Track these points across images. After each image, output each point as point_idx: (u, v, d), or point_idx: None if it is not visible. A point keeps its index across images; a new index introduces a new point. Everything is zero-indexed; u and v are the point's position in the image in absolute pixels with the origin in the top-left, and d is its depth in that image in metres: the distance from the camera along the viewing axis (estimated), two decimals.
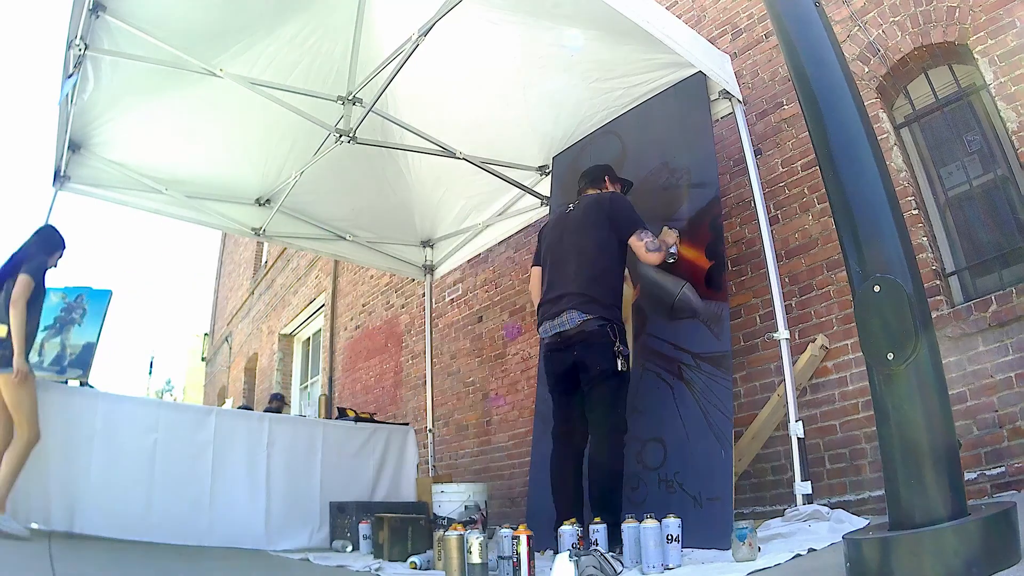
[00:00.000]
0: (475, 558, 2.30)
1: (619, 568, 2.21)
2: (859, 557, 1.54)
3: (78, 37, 2.93)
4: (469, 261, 5.60)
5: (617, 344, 2.67)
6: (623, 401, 2.74)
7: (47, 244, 3.27)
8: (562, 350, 2.82)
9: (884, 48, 3.26)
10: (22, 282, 3.00)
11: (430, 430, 5.13)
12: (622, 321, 2.81)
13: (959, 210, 3.12)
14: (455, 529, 2.44)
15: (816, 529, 2.38)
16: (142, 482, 3.30)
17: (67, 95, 3.17)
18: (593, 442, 2.73)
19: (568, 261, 2.90)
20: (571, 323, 2.74)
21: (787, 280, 3.39)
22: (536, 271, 3.14)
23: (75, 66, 3.02)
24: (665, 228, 3.05)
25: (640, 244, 2.78)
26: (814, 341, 3.22)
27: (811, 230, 3.41)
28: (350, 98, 3.78)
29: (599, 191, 3.09)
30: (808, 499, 2.62)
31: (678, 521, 2.24)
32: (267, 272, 11.04)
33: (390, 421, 5.43)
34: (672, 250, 2.95)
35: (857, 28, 3.36)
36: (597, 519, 2.49)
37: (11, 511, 2.83)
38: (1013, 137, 2.79)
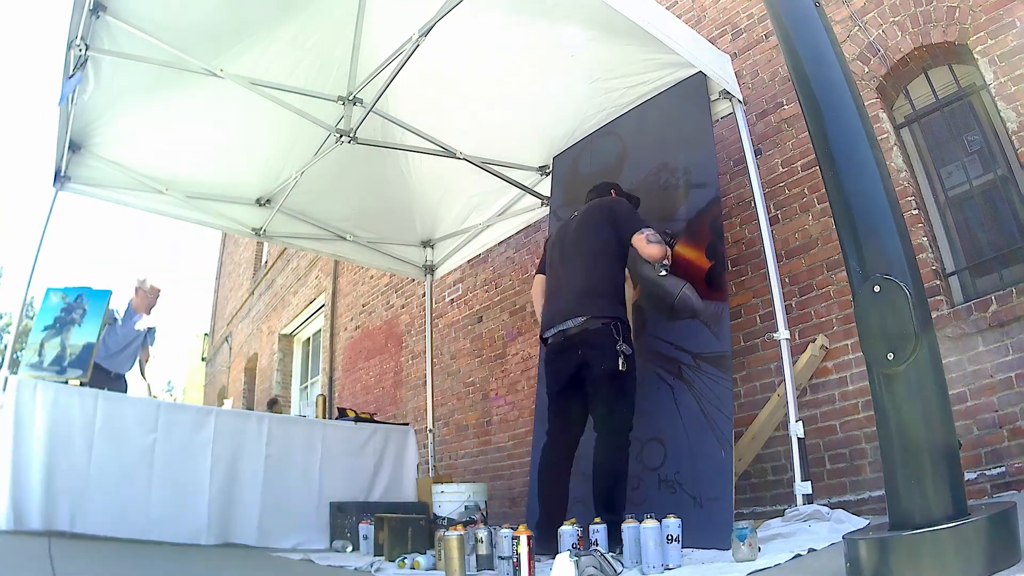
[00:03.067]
0: (482, 549, 2.42)
1: (619, 568, 2.21)
2: (859, 557, 1.54)
3: (79, 37, 2.93)
4: (469, 261, 5.60)
5: (620, 343, 2.66)
6: (629, 400, 2.72)
7: None
8: (567, 350, 2.81)
9: (884, 48, 3.26)
10: None
11: (430, 430, 5.12)
12: (627, 319, 2.82)
13: (959, 210, 3.12)
14: (455, 529, 2.45)
15: (816, 529, 2.38)
16: (142, 482, 3.30)
17: (67, 95, 3.17)
18: (597, 442, 2.71)
19: (571, 264, 2.93)
20: (574, 322, 2.75)
21: (787, 280, 3.39)
22: (539, 278, 3.17)
23: (76, 67, 3.02)
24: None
25: (641, 237, 2.80)
26: (814, 341, 3.22)
27: (811, 230, 3.41)
28: (350, 98, 3.79)
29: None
30: (808, 499, 2.62)
31: (678, 521, 2.24)
32: (267, 272, 11.04)
33: (390, 421, 5.43)
34: (665, 262, 2.97)
35: (857, 28, 3.37)
36: (597, 519, 2.50)
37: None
38: (1013, 137, 2.80)
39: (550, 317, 2.90)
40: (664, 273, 2.96)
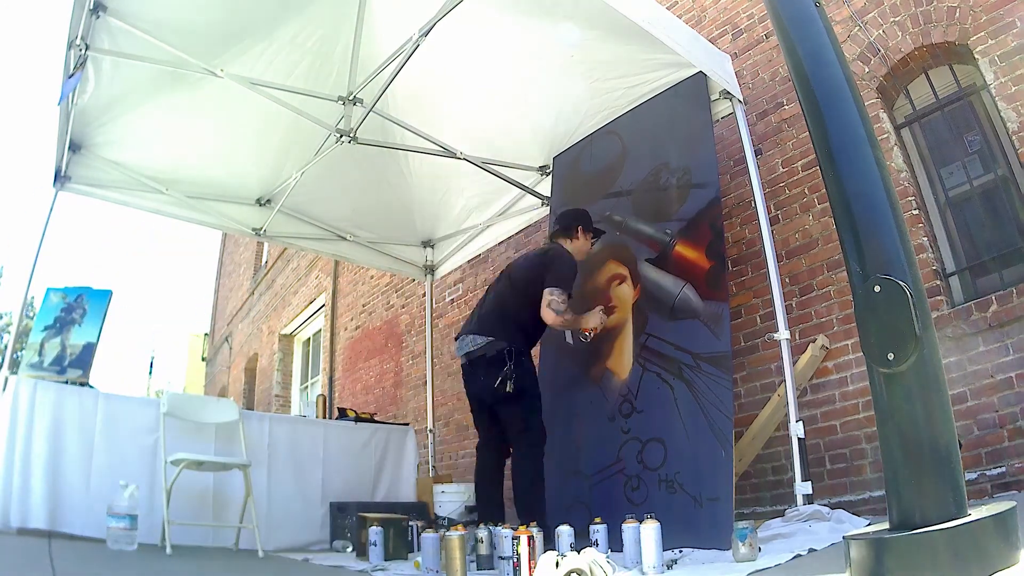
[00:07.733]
0: (482, 549, 2.46)
1: (612, 570, 2.21)
2: (859, 558, 1.54)
3: (79, 38, 2.93)
4: (469, 261, 5.60)
5: (509, 366, 2.85)
6: (533, 415, 2.94)
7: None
8: (469, 371, 3.08)
9: (884, 48, 3.26)
10: None
11: (430, 430, 5.13)
12: (524, 347, 3.02)
13: (959, 210, 3.12)
14: (456, 529, 2.46)
15: (816, 529, 2.38)
16: (143, 483, 3.29)
17: (67, 95, 3.17)
18: (513, 455, 2.96)
19: (494, 292, 3.22)
20: (473, 344, 3.01)
21: (787, 280, 3.39)
22: None
23: (76, 66, 3.02)
24: (599, 310, 3.15)
25: (547, 298, 2.93)
26: (814, 341, 3.22)
27: (811, 230, 3.41)
28: (350, 98, 3.78)
29: (568, 238, 3.25)
30: (808, 499, 2.62)
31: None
32: (267, 272, 11.04)
33: (390, 421, 5.43)
34: (587, 333, 3.11)
35: (857, 28, 3.36)
36: (598, 519, 2.51)
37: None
38: (1013, 137, 2.79)
39: (457, 336, 3.17)
40: (585, 340, 3.17)
